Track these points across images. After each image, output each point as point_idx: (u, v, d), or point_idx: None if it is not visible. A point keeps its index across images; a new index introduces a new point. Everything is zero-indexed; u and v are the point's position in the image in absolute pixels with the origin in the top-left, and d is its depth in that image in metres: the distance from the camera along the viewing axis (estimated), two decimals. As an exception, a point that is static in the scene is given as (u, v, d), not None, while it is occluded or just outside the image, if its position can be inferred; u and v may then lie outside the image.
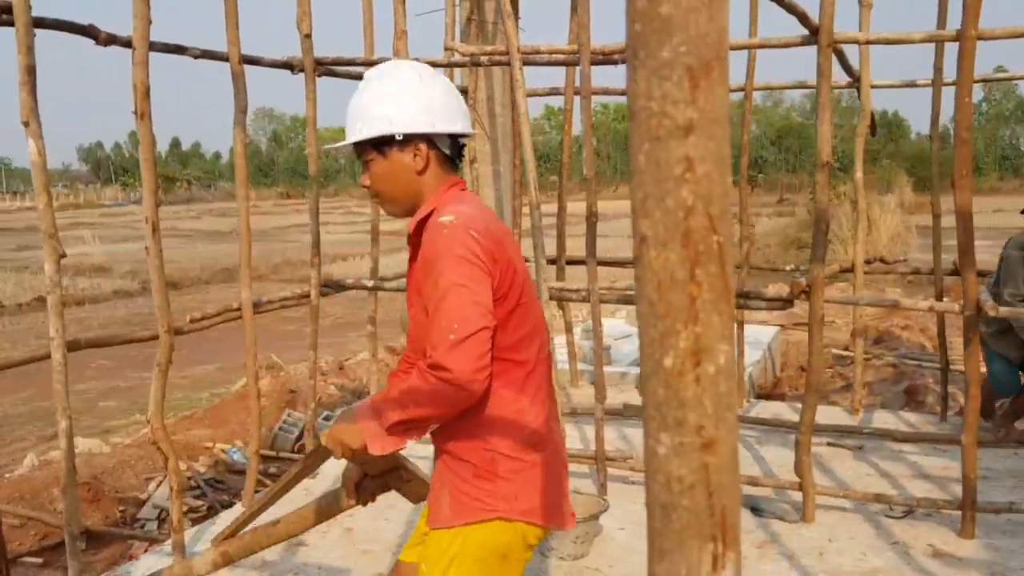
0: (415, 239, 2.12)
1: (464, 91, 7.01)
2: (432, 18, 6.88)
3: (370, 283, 5.54)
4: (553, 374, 2.22)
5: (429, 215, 2.08)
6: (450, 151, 2.12)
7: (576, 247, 6.10)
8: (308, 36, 5.18)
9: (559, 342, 6.34)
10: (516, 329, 2.03)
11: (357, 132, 2.07)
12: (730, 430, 0.77)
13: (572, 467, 2.53)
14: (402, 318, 9.75)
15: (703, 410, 0.75)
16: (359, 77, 5.87)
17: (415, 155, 2.07)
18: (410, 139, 2.05)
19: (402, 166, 2.06)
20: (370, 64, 5.60)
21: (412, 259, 2.15)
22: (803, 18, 4.58)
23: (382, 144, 2.06)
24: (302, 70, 5.22)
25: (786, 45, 4.91)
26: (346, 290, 5.62)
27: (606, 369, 7.63)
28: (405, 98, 2.04)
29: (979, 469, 4.32)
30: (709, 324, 0.76)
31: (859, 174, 6.23)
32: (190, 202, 46.81)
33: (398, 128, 2.02)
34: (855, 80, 6.09)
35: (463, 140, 2.17)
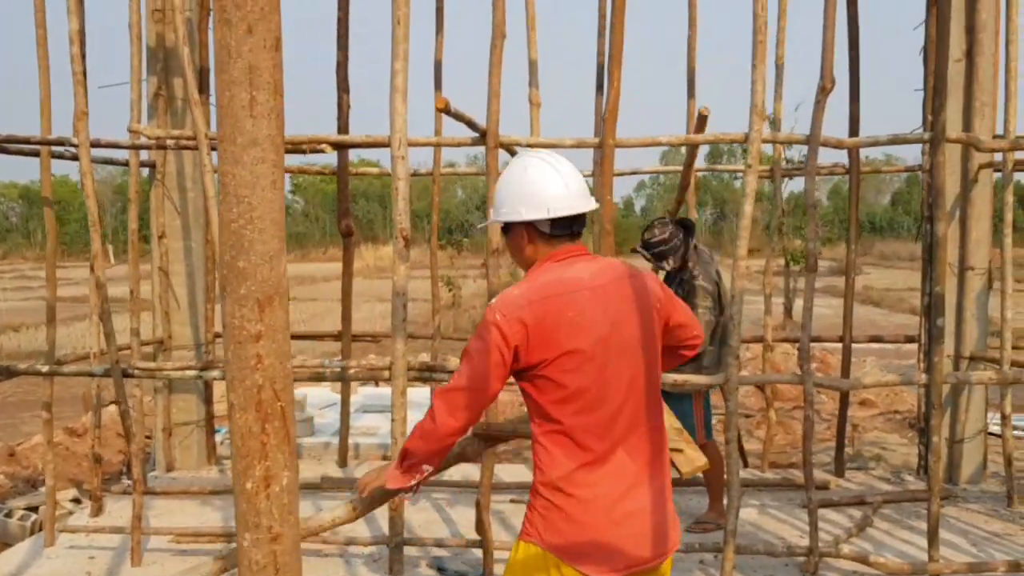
0: None
1: (152, 165, 7.15)
2: (123, 90, 6.93)
3: (45, 367, 5.48)
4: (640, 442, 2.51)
5: None
6: (552, 229, 2.52)
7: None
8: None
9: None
10: (553, 393, 2.40)
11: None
12: (292, 527, 1.24)
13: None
14: (84, 394, 9.35)
15: (272, 516, 1.22)
16: (34, 154, 5.89)
17: (520, 236, 2.56)
18: (511, 224, 2.55)
19: (515, 244, 2.60)
20: (47, 143, 5.66)
21: None
22: (471, 124, 5.33)
23: (503, 227, 2.61)
24: (-32, 148, 5.15)
25: (459, 144, 5.65)
26: (17, 375, 5.52)
27: (309, 440, 7.96)
28: (503, 191, 2.57)
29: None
30: (275, 460, 1.24)
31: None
32: None
33: (499, 218, 2.56)
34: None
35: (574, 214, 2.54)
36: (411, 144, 5.84)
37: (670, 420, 2.88)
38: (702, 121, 5.29)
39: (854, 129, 6.74)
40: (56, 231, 5.88)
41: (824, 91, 5.36)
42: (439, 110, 5.04)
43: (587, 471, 2.39)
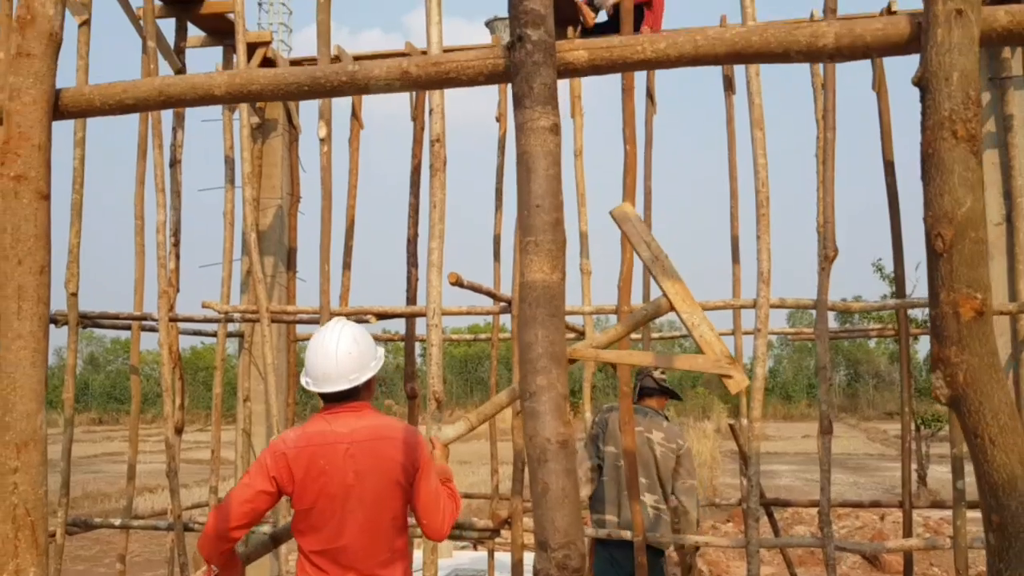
0: None
1: (241, 335, 8.12)
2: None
3: (118, 521, 6.26)
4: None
5: None
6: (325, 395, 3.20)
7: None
8: (74, 295, 6.19)
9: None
10: (300, 523, 3.12)
11: None
12: (31, 610, 1.76)
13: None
14: (195, 554, 10.16)
15: (14, 601, 1.75)
16: (125, 328, 6.92)
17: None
18: None
19: None
20: (134, 319, 6.67)
21: None
22: (492, 295, 5.95)
23: None
24: (66, 324, 6.17)
25: (488, 313, 6.25)
26: (93, 528, 6.32)
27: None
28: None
29: None
30: (24, 559, 1.77)
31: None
32: None
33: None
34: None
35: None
36: (444, 314, 6.52)
37: (720, 346, 3.09)
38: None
39: (900, 291, 6.88)
40: (140, 398, 6.81)
41: (828, 259, 5.69)
42: (452, 284, 5.68)
43: None
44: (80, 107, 2.05)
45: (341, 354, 3.14)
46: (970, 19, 1.67)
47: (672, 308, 3.05)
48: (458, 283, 5.68)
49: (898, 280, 6.87)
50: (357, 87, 1.99)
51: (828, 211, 5.82)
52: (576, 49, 1.92)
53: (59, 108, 2.03)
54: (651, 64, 1.89)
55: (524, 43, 1.82)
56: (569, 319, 8.05)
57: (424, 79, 1.96)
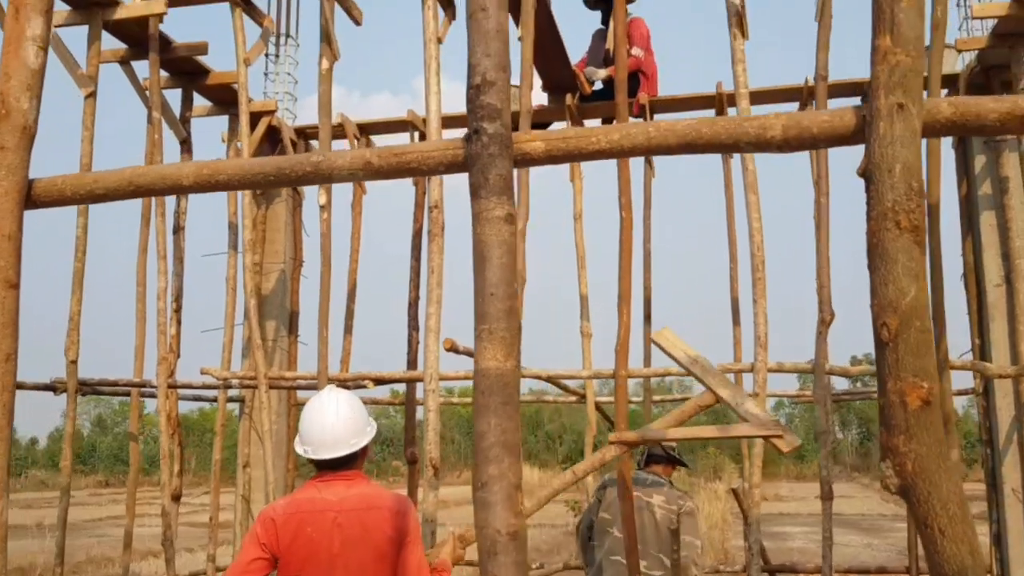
0: None
1: (241, 400, 8.15)
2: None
3: (113, 590, 6.23)
4: None
5: None
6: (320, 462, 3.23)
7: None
8: (73, 362, 6.25)
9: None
10: None
11: None
12: None
13: None
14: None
15: None
16: (125, 394, 6.96)
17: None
18: None
19: None
20: (133, 385, 6.72)
21: None
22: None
23: None
24: (65, 391, 6.23)
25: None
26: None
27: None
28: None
29: None
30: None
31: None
32: None
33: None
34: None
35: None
36: (442, 379, 6.54)
37: (766, 415, 3.19)
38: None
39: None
40: (138, 466, 6.83)
41: (824, 323, 5.70)
42: (447, 350, 5.70)
43: None
44: (52, 197, 2.12)
45: (340, 420, 3.18)
46: (911, 112, 1.71)
47: (718, 398, 3.25)
48: (453, 349, 5.70)
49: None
50: (322, 176, 2.05)
51: (823, 275, 5.85)
52: (533, 140, 1.98)
53: (31, 198, 2.10)
54: (606, 154, 1.94)
55: (480, 136, 1.87)
56: (569, 383, 8.06)
57: (386, 169, 2.01)
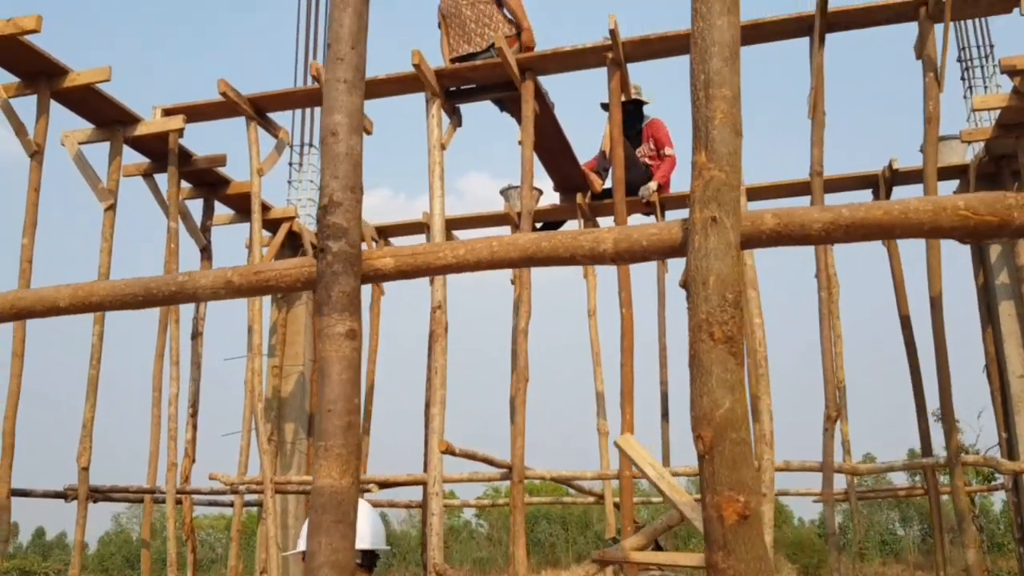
0: None
1: (259, 504, 8.22)
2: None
3: None
4: None
5: None
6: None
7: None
8: (85, 469, 6.41)
9: None
10: None
11: None
12: None
13: None
14: None
15: None
16: (137, 501, 7.09)
17: None
18: None
19: None
20: (145, 492, 6.84)
21: None
22: (488, 461, 5.96)
23: None
24: (75, 498, 6.38)
25: (489, 480, 6.24)
26: None
27: None
28: None
29: None
30: None
31: None
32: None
33: None
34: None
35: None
36: (446, 481, 6.53)
37: None
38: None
39: (926, 448, 6.66)
40: (149, 570, 6.90)
41: (830, 419, 5.59)
42: (442, 452, 5.71)
43: None
44: (-57, 320, 2.27)
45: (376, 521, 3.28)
46: (726, 225, 1.73)
47: (683, 518, 3.31)
48: (449, 451, 5.71)
49: (922, 436, 6.64)
50: (187, 295, 2.15)
51: (828, 370, 5.75)
52: (384, 256, 2.05)
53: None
54: (453, 268, 2.01)
55: (326, 254, 1.96)
56: (585, 483, 7.96)
57: (246, 287, 2.11)
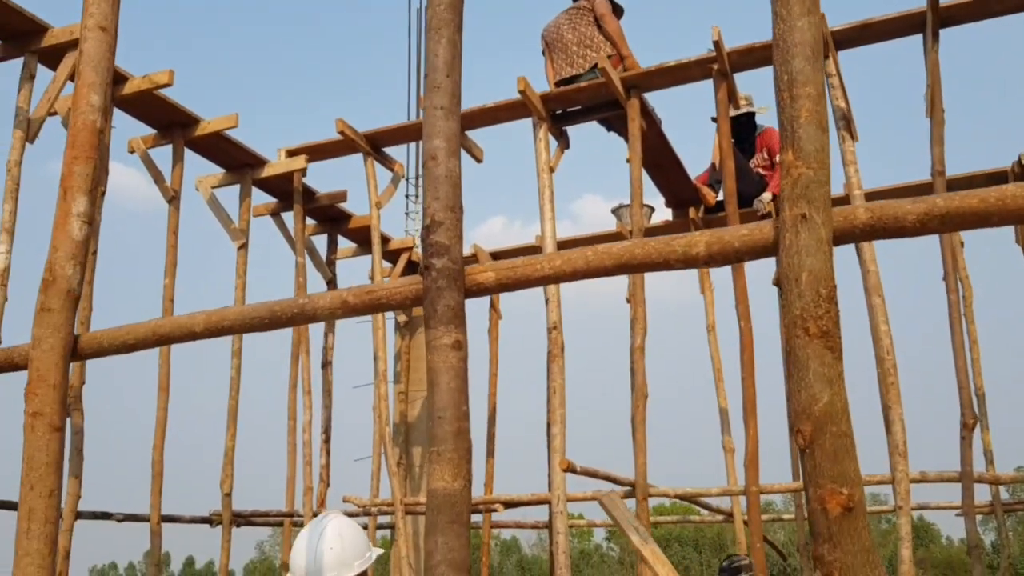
0: None
1: (392, 527, 8.44)
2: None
3: None
4: None
5: None
6: None
7: None
8: (228, 495, 6.74)
9: None
10: None
11: None
12: None
13: None
14: None
15: None
16: (278, 524, 7.40)
17: None
18: None
19: None
20: (284, 515, 7.14)
21: None
22: (609, 478, 5.99)
23: None
24: (220, 523, 6.71)
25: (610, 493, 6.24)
26: None
27: None
28: None
29: None
30: None
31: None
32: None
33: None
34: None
35: None
36: (570, 500, 6.57)
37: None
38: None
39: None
40: (289, 590, 7.17)
41: (967, 427, 5.40)
42: (563, 470, 5.77)
43: None
44: (93, 349, 2.48)
45: (320, 550, 3.07)
46: (816, 221, 1.75)
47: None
48: (570, 469, 5.76)
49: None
50: (307, 316, 2.30)
51: (962, 376, 5.55)
52: (485, 271, 2.15)
53: (77, 351, 2.46)
54: (551, 279, 2.08)
55: (430, 271, 2.07)
56: (712, 501, 7.85)
57: (360, 306, 2.24)
